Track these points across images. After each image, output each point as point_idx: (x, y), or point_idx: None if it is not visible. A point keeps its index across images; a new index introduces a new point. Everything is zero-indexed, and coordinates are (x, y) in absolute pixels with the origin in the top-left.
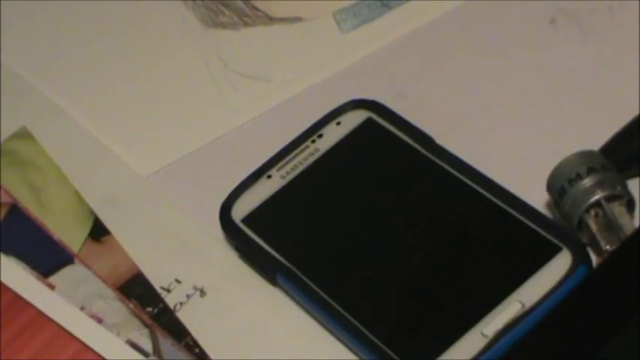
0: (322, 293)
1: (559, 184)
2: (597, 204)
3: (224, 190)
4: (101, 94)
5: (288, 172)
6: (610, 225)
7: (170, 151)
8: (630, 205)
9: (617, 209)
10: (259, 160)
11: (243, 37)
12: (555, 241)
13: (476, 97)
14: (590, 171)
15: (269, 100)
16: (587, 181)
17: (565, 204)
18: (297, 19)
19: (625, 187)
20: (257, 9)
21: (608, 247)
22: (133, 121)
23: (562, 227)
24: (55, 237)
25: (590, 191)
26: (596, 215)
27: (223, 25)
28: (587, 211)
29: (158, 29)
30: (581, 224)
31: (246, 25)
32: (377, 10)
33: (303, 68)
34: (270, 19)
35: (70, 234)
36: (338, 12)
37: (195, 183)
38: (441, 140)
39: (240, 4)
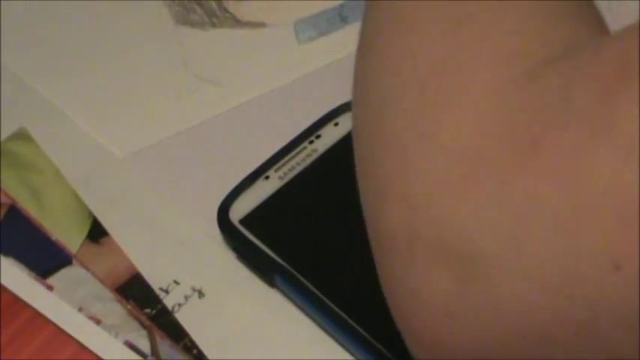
0: (320, 294)
1: None
2: None
3: (220, 189)
4: (97, 93)
5: (286, 173)
6: None
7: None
8: None
9: None
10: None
11: (208, 38)
12: None
13: None
14: None
15: (220, 105)
16: None
17: None
18: (260, 25)
19: None
20: (227, 10)
21: None
22: (131, 121)
23: None
24: (54, 238)
25: None
26: None
27: (192, 24)
28: None
29: (135, 22)
30: None
31: (213, 25)
32: (335, 24)
33: (256, 76)
34: (237, 22)
35: (69, 235)
36: (299, 22)
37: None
38: None
39: (213, 4)
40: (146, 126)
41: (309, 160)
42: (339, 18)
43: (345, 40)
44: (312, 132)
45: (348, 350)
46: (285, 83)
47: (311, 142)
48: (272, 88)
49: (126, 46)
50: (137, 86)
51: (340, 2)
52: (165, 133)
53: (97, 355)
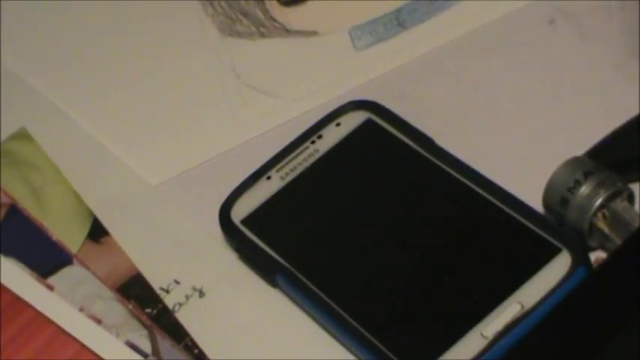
0: (321, 294)
1: (559, 196)
2: (603, 205)
3: (224, 196)
4: (101, 95)
5: (287, 173)
6: (619, 223)
7: (171, 161)
8: (630, 199)
9: (622, 205)
10: None
11: (258, 48)
12: (555, 242)
13: (475, 98)
14: (588, 174)
15: (277, 117)
16: (587, 186)
17: (570, 213)
18: (312, 33)
19: (623, 181)
20: (275, 20)
21: None
22: (133, 124)
23: (562, 228)
24: (54, 238)
25: (593, 194)
26: (604, 216)
27: (240, 35)
28: (595, 214)
29: (172, 33)
30: (591, 229)
31: (262, 36)
32: (393, 30)
33: (313, 85)
34: (287, 31)
35: (69, 235)
36: (354, 28)
37: (197, 191)
38: (440, 141)
39: (259, 13)
40: (197, 143)
41: (310, 161)
42: (396, 22)
43: (404, 45)
44: (313, 132)
45: (349, 349)
46: (344, 92)
47: (313, 142)
48: (331, 98)
49: (157, 56)
50: (180, 99)
51: (396, 6)
52: (221, 148)
53: (97, 355)
